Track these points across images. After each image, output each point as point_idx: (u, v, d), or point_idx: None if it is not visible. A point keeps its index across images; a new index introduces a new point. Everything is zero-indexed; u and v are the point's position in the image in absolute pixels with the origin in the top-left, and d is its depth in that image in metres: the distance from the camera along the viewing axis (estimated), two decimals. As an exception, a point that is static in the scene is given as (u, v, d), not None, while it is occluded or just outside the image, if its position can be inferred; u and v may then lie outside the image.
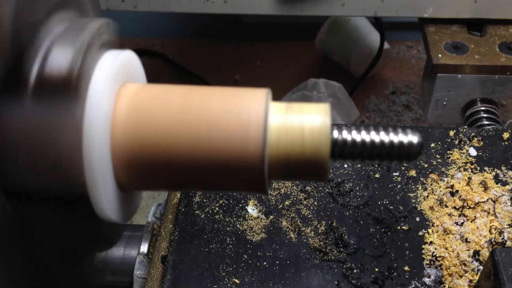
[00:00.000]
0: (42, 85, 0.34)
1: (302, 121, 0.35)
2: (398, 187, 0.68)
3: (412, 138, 0.37)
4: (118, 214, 0.37)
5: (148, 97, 0.36)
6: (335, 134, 0.37)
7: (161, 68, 1.58)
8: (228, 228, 0.64)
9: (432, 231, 0.63)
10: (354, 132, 0.37)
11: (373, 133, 0.37)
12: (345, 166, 0.70)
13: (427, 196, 0.67)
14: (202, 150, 0.34)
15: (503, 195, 0.65)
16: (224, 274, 0.60)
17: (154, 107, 0.35)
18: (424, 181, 0.68)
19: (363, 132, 0.37)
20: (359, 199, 0.67)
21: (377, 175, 0.69)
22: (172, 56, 1.62)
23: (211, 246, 0.62)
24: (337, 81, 1.34)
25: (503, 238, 0.61)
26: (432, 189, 0.67)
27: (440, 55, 0.84)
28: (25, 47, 0.34)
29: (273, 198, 0.67)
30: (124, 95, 0.35)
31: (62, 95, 0.33)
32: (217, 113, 0.35)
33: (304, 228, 0.64)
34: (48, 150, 0.33)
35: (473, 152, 0.71)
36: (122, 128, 0.35)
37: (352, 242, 0.63)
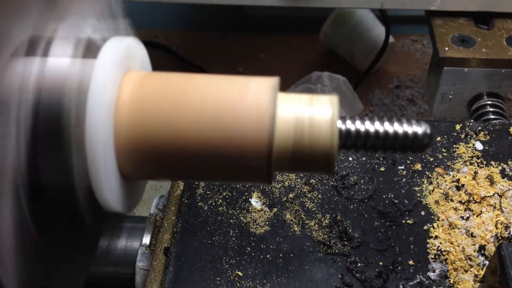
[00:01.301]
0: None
1: (310, 112, 0.35)
2: (403, 180, 0.67)
3: (417, 129, 0.37)
4: (121, 204, 0.37)
5: (153, 85, 0.35)
6: (339, 124, 0.36)
7: (164, 60, 1.57)
8: (231, 221, 0.63)
9: (437, 225, 0.62)
10: (358, 123, 0.37)
11: (377, 123, 0.37)
12: (350, 159, 0.70)
13: (433, 190, 0.66)
14: (207, 138, 0.34)
15: (509, 189, 0.65)
16: (227, 266, 0.59)
17: (158, 95, 0.35)
18: (430, 175, 0.67)
19: (368, 123, 0.37)
20: (363, 193, 0.66)
21: (382, 169, 0.68)
22: (176, 48, 1.61)
23: (214, 238, 0.62)
24: (341, 74, 1.33)
25: (509, 233, 0.60)
26: (437, 183, 0.67)
27: (446, 48, 0.84)
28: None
29: (277, 190, 0.66)
30: (128, 82, 0.35)
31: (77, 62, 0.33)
32: (223, 102, 0.34)
33: (308, 221, 0.63)
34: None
35: (479, 146, 0.70)
36: (126, 116, 0.34)
37: (356, 235, 0.62)
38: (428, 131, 0.36)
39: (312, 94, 0.36)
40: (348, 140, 0.36)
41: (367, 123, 0.37)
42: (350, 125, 0.36)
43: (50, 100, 0.34)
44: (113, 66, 0.34)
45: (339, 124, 0.36)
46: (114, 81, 0.34)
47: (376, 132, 0.36)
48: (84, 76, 0.34)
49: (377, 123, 0.36)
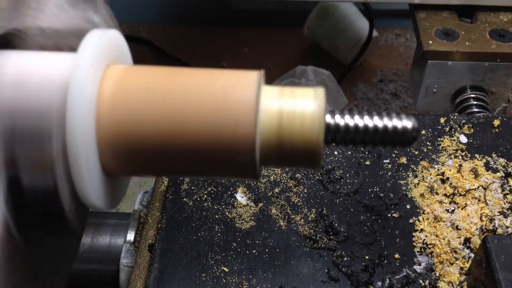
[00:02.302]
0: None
1: (296, 105, 0.34)
2: (389, 174, 0.67)
3: (406, 123, 0.36)
4: (103, 201, 0.36)
5: (135, 79, 0.34)
6: (328, 118, 0.36)
7: (147, 54, 1.56)
8: (216, 216, 0.63)
9: (423, 218, 0.63)
10: (347, 117, 0.36)
11: (366, 117, 0.36)
12: (336, 153, 0.69)
13: (418, 184, 0.66)
14: (191, 134, 0.33)
15: (493, 182, 0.65)
16: (212, 262, 0.59)
17: (140, 90, 0.34)
18: (415, 168, 0.67)
19: (356, 117, 0.36)
20: (349, 187, 0.66)
21: (367, 162, 0.68)
22: (159, 42, 1.59)
23: (199, 234, 0.61)
24: (325, 68, 1.33)
25: (493, 225, 0.61)
26: (422, 176, 0.67)
27: (430, 42, 0.84)
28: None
29: (262, 185, 0.66)
30: (110, 77, 0.34)
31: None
32: (207, 96, 0.33)
33: (294, 216, 0.63)
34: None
35: (463, 139, 0.70)
36: (108, 112, 0.33)
37: (342, 229, 0.62)
38: (416, 125, 0.36)
39: (297, 87, 0.36)
40: (337, 135, 0.36)
41: (356, 117, 0.36)
42: (339, 120, 0.36)
43: (30, 97, 0.33)
44: (94, 60, 0.33)
45: (328, 118, 0.35)
46: (95, 76, 0.33)
47: (366, 126, 0.36)
48: (64, 70, 0.33)
49: (366, 118, 0.36)
